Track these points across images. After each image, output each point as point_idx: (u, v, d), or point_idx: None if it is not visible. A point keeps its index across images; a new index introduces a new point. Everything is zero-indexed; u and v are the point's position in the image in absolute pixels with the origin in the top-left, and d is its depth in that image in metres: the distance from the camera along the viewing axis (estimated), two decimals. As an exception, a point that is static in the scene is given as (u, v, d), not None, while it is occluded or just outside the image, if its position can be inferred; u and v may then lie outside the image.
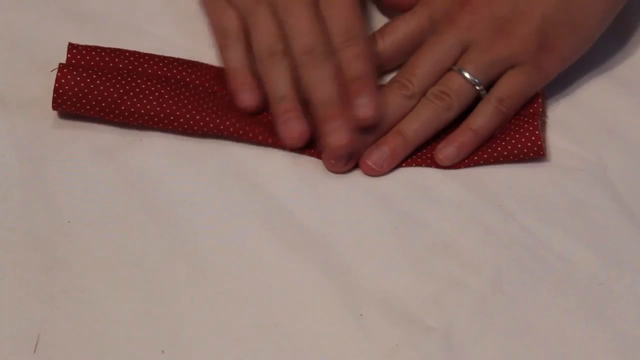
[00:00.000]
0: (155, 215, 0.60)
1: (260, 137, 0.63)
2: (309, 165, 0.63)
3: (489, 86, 0.64)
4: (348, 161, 0.63)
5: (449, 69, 0.64)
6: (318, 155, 0.63)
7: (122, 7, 0.70)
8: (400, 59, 0.66)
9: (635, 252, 0.60)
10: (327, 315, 0.57)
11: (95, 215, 0.60)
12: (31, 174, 0.61)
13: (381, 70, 0.66)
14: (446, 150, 0.64)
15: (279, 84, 0.63)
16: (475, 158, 0.64)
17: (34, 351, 0.55)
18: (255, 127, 0.63)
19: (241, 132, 0.63)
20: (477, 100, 0.64)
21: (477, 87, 0.64)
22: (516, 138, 0.64)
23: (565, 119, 0.67)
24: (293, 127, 0.62)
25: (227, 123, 0.63)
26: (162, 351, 0.55)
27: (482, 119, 0.64)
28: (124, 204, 0.60)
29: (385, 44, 0.66)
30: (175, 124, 0.63)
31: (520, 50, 0.64)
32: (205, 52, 0.67)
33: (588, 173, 0.64)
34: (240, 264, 0.59)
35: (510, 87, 0.64)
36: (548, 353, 0.57)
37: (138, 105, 0.62)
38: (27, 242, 0.58)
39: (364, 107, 0.62)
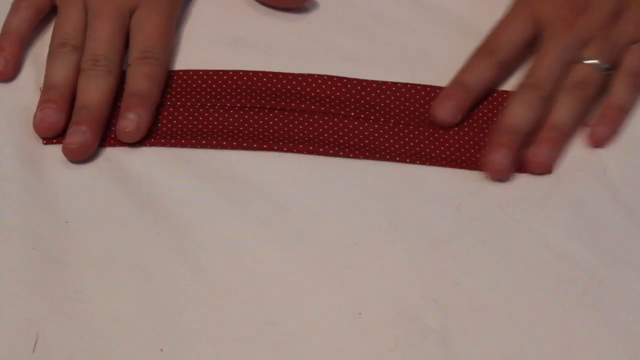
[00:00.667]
0: (153, 214, 0.60)
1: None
2: (306, 164, 0.63)
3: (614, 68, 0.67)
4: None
5: (575, 62, 0.66)
6: (308, 150, 0.63)
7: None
8: (515, 66, 0.68)
9: (634, 250, 0.60)
10: (325, 314, 0.57)
11: (93, 215, 0.60)
12: (30, 173, 0.61)
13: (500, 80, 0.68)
14: (600, 131, 0.65)
15: (54, 73, 0.64)
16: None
17: (33, 351, 0.55)
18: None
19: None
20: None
21: (606, 71, 0.66)
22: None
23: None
24: (46, 116, 0.62)
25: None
26: (161, 349, 0.55)
27: (623, 95, 0.66)
28: (122, 203, 0.60)
29: (505, 49, 0.67)
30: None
31: (637, 25, 0.67)
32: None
33: (588, 173, 0.64)
34: (238, 263, 0.59)
35: (637, 60, 0.67)
36: (547, 352, 0.56)
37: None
38: (26, 242, 0.58)
39: (130, 122, 0.62)
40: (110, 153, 0.63)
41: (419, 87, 0.67)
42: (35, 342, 0.55)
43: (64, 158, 0.62)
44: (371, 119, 0.65)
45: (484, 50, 0.68)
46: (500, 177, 0.63)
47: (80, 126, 0.62)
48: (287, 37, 0.70)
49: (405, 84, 0.67)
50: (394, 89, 0.67)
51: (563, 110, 0.65)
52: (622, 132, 0.66)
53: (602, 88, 0.66)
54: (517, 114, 0.65)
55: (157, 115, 0.64)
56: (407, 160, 0.64)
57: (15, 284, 0.57)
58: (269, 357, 0.56)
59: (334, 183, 0.62)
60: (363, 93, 0.66)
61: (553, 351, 0.57)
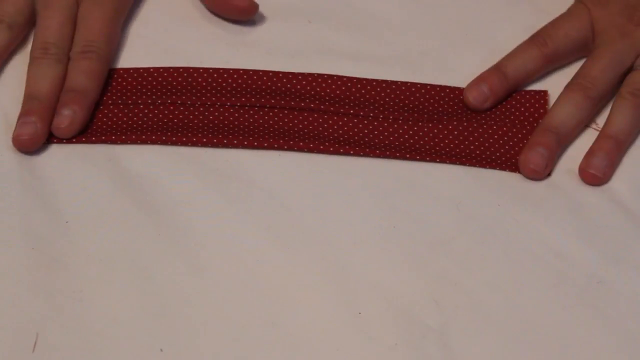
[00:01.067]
0: (153, 214, 0.60)
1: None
2: (307, 163, 0.63)
3: None
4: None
5: (631, 70, 0.65)
6: (309, 148, 0.63)
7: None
8: (562, 64, 0.68)
9: (633, 250, 0.60)
10: (325, 314, 0.57)
11: (93, 214, 0.60)
12: (30, 173, 0.61)
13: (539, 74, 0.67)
14: None
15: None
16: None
17: (33, 350, 0.55)
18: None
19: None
20: None
21: None
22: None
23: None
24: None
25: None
26: (161, 350, 0.55)
27: None
28: (121, 203, 0.61)
29: (556, 45, 0.67)
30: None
31: None
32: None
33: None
34: (238, 263, 0.59)
35: None
36: (546, 352, 0.56)
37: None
38: (26, 242, 0.58)
39: (64, 118, 0.62)
40: (111, 153, 0.63)
41: (419, 85, 0.67)
42: (35, 342, 0.55)
43: (64, 158, 0.62)
44: (370, 116, 0.65)
45: (534, 40, 0.67)
46: (536, 177, 0.63)
47: (30, 117, 0.62)
48: (287, 36, 0.70)
49: (405, 82, 0.67)
50: (393, 87, 0.67)
51: (620, 118, 0.64)
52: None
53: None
54: (562, 113, 0.64)
55: (97, 111, 0.64)
56: (407, 156, 0.63)
57: (15, 284, 0.57)
58: (269, 357, 0.56)
59: (334, 183, 0.62)
60: (363, 91, 0.66)
61: (553, 351, 0.57)
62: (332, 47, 0.69)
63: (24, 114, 0.62)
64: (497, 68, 0.66)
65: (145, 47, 0.68)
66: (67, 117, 0.62)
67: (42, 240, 0.59)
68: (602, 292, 0.59)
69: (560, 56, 0.68)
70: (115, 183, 0.61)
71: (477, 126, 0.65)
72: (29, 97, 0.63)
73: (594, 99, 0.65)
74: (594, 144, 0.64)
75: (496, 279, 0.59)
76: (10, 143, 0.62)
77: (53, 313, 0.56)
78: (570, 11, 0.68)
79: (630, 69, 0.66)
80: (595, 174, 0.63)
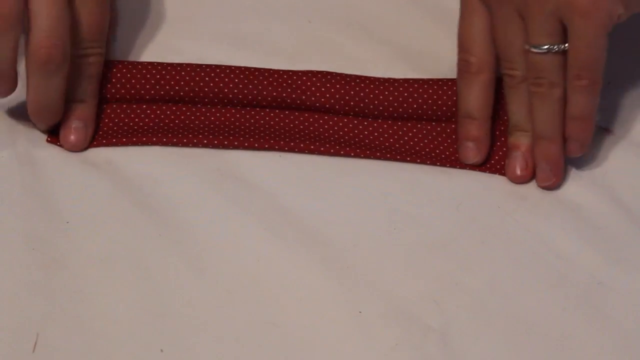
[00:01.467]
0: (153, 215, 0.60)
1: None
2: (307, 164, 0.63)
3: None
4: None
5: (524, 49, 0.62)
6: (310, 150, 0.63)
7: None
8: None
9: (634, 251, 0.60)
10: (325, 314, 0.57)
11: (93, 215, 0.60)
12: (30, 174, 0.61)
13: None
14: (569, 145, 0.63)
15: None
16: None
17: (33, 350, 0.55)
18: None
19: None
20: None
21: (556, 50, 0.61)
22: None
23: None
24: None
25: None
26: (161, 350, 0.55)
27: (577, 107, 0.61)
28: (121, 204, 0.60)
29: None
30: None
31: None
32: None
33: (588, 173, 0.64)
34: (238, 262, 0.59)
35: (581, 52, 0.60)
36: (547, 352, 0.56)
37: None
38: (26, 242, 0.58)
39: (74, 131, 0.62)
40: (111, 153, 0.63)
41: (421, 82, 0.67)
42: (35, 342, 0.55)
43: (65, 159, 0.62)
44: (370, 117, 0.65)
45: (467, 70, 0.65)
46: (521, 181, 0.63)
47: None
48: (287, 36, 0.70)
49: (406, 80, 0.67)
50: (396, 84, 0.66)
51: (541, 119, 0.62)
52: (621, 131, 0.66)
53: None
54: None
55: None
56: (408, 159, 0.64)
57: (15, 284, 0.57)
58: (269, 357, 0.56)
59: (334, 184, 0.62)
60: (357, 89, 0.66)
61: (553, 351, 0.57)
62: (332, 47, 0.69)
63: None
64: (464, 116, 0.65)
65: (145, 46, 0.68)
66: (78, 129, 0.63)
67: (42, 241, 0.59)
68: (603, 292, 0.59)
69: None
70: (115, 183, 0.61)
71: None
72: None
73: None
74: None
75: (497, 280, 0.59)
76: (11, 143, 0.62)
77: (53, 313, 0.56)
78: None
79: None
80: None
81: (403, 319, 0.57)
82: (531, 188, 0.63)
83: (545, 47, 0.61)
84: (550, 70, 0.61)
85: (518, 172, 0.63)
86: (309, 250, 0.59)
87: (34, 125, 0.63)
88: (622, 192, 0.63)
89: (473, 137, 0.64)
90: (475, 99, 0.64)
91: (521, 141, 0.63)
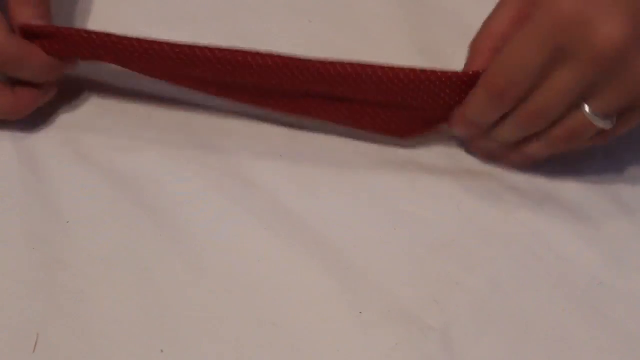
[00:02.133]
0: (154, 214, 0.60)
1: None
2: (308, 164, 0.63)
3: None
4: None
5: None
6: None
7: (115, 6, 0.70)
8: None
9: (634, 251, 0.61)
10: (326, 314, 0.57)
11: (94, 214, 0.60)
12: (30, 173, 0.61)
13: None
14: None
15: None
16: None
17: (34, 350, 0.55)
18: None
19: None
20: None
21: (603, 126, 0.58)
22: None
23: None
24: None
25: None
26: (162, 350, 0.55)
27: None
28: (122, 203, 0.60)
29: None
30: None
31: None
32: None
33: (588, 173, 0.64)
34: (239, 263, 0.59)
35: None
36: (547, 352, 0.57)
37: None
38: (27, 242, 0.58)
39: None
40: (111, 153, 0.63)
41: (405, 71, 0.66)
42: (36, 342, 0.55)
43: (65, 158, 0.62)
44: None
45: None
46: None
47: None
48: (287, 35, 0.70)
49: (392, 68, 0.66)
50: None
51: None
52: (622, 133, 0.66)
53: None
54: None
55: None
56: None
57: (15, 284, 0.57)
58: (269, 357, 0.56)
59: (334, 184, 0.62)
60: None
61: (553, 351, 0.57)
62: (333, 47, 0.68)
63: None
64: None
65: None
66: None
67: (42, 240, 0.59)
68: (603, 293, 0.59)
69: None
70: (115, 183, 0.61)
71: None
72: None
73: None
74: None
75: (497, 280, 0.59)
76: (11, 143, 0.62)
77: (53, 313, 0.56)
78: None
79: None
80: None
81: (403, 319, 0.57)
82: (532, 187, 0.63)
83: (606, 120, 0.57)
84: (582, 133, 0.58)
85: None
86: (309, 250, 0.59)
87: (35, 125, 0.63)
88: (622, 192, 0.63)
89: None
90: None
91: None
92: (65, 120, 0.64)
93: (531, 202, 0.62)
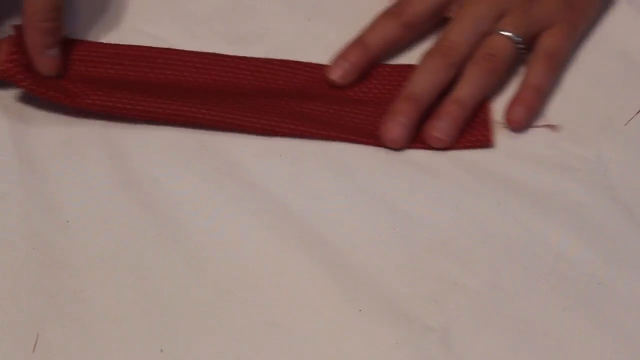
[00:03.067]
0: (154, 214, 0.60)
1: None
2: (307, 164, 0.63)
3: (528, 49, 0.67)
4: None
5: (489, 34, 0.65)
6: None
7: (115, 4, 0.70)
8: (423, 30, 0.68)
9: (634, 251, 0.60)
10: (326, 314, 0.57)
11: (94, 214, 0.60)
12: (30, 173, 0.61)
13: (400, 43, 0.68)
14: (516, 111, 0.65)
15: None
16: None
17: (33, 351, 0.55)
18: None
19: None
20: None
21: (520, 46, 0.65)
22: (469, 130, 0.65)
23: (565, 119, 0.67)
24: None
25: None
26: (161, 350, 0.55)
27: (539, 76, 0.66)
28: (122, 203, 0.60)
29: (413, 12, 0.67)
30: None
31: (555, 11, 0.66)
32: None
33: (588, 173, 0.64)
34: (239, 263, 0.59)
35: (554, 42, 0.66)
36: (547, 352, 0.56)
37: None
38: (26, 242, 0.58)
39: None
40: (112, 152, 0.63)
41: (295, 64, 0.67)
42: (36, 342, 0.55)
43: (65, 158, 0.62)
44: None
45: (392, 10, 0.68)
46: (397, 147, 0.63)
47: None
48: (286, 34, 0.70)
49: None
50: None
51: (468, 83, 0.64)
52: (622, 131, 0.66)
53: (513, 67, 0.67)
54: (421, 80, 0.64)
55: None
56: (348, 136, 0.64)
57: (15, 284, 0.57)
58: (269, 357, 0.56)
59: (334, 184, 0.62)
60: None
61: (553, 351, 0.57)
62: (332, 47, 0.68)
63: None
64: (357, 42, 0.67)
65: (145, 44, 0.68)
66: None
67: (42, 241, 0.59)
68: (603, 293, 0.59)
69: (419, 23, 0.68)
70: (116, 183, 0.61)
71: (350, 102, 0.66)
72: None
73: (454, 64, 0.65)
74: (440, 107, 0.64)
75: (496, 280, 0.59)
76: (12, 142, 0.62)
77: (53, 313, 0.56)
78: None
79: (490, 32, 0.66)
80: (440, 137, 0.63)
81: (403, 319, 0.57)
82: (532, 187, 0.63)
83: (512, 34, 0.65)
84: (502, 51, 0.65)
85: (393, 135, 0.63)
86: (309, 250, 0.59)
87: (35, 125, 0.63)
88: (622, 192, 0.63)
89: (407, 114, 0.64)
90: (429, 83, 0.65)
91: (407, 108, 0.63)
92: (65, 120, 0.64)
93: (531, 202, 0.62)
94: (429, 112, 0.65)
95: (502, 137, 0.65)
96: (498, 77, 0.66)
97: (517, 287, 0.59)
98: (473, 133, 0.65)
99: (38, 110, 0.64)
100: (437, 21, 0.69)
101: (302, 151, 0.64)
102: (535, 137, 0.66)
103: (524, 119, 0.65)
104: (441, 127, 0.64)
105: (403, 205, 0.62)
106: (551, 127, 0.66)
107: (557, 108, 0.67)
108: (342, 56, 0.67)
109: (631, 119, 0.67)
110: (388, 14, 0.67)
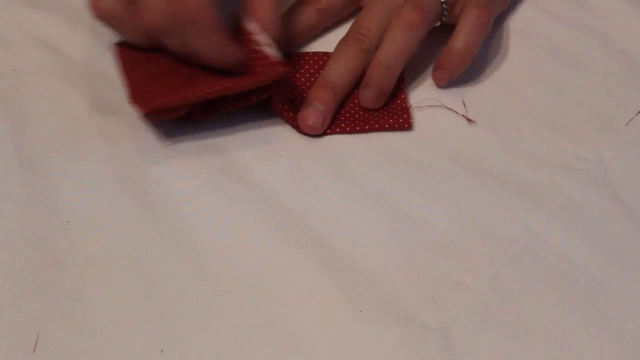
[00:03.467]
0: (154, 214, 0.60)
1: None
2: (307, 164, 0.63)
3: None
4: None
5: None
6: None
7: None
8: (335, 17, 0.69)
9: (634, 251, 0.60)
10: (326, 314, 0.57)
11: (94, 214, 0.60)
12: (31, 173, 0.61)
13: (316, 29, 0.69)
14: (440, 74, 0.67)
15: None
16: (347, 129, 0.65)
17: (34, 350, 0.55)
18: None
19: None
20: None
21: (444, 5, 0.66)
22: (388, 114, 0.66)
23: (565, 119, 0.67)
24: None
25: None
26: (162, 350, 0.55)
27: (463, 40, 0.66)
28: (123, 203, 0.60)
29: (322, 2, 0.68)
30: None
31: None
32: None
33: (588, 173, 0.64)
34: (239, 263, 0.59)
35: (475, 12, 0.66)
36: (547, 352, 0.56)
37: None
38: (27, 242, 0.58)
39: None
40: (112, 152, 0.63)
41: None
42: (36, 342, 0.55)
43: (65, 158, 0.62)
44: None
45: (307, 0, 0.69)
46: (315, 132, 0.64)
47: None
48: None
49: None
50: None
51: (389, 44, 0.65)
52: (622, 131, 0.66)
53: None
54: (337, 68, 0.65)
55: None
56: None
57: (15, 284, 0.57)
58: (269, 357, 0.56)
59: (334, 184, 0.62)
60: None
61: (553, 351, 0.57)
62: (332, 46, 0.68)
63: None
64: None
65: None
66: None
67: (42, 241, 0.59)
68: (603, 293, 0.59)
69: (334, 11, 0.69)
70: (116, 183, 0.61)
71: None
72: None
73: (368, 50, 0.66)
74: (366, 72, 0.65)
75: (496, 280, 0.59)
76: (11, 143, 0.62)
77: (54, 313, 0.56)
78: None
79: None
80: (368, 104, 0.65)
81: (403, 319, 0.57)
82: (531, 187, 0.63)
83: None
84: (427, 4, 0.65)
85: (311, 122, 0.64)
86: (309, 250, 0.59)
87: (35, 125, 0.63)
88: (622, 192, 0.63)
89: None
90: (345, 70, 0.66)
91: (324, 95, 0.64)
92: (65, 120, 0.64)
93: (531, 202, 0.62)
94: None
95: (503, 137, 0.66)
96: (418, 34, 0.65)
97: (517, 287, 0.59)
98: (394, 117, 0.65)
99: (38, 110, 0.64)
100: (354, 10, 0.70)
101: (302, 151, 0.64)
102: (535, 137, 0.66)
103: (445, 80, 0.67)
104: (367, 94, 0.65)
105: (403, 205, 0.62)
106: (469, 120, 0.66)
107: (557, 108, 0.67)
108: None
109: (631, 119, 0.67)
110: (305, 1, 0.68)
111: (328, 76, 0.65)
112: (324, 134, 0.65)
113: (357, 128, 0.65)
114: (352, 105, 0.66)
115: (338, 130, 0.65)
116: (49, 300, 0.56)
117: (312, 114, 0.64)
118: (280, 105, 0.64)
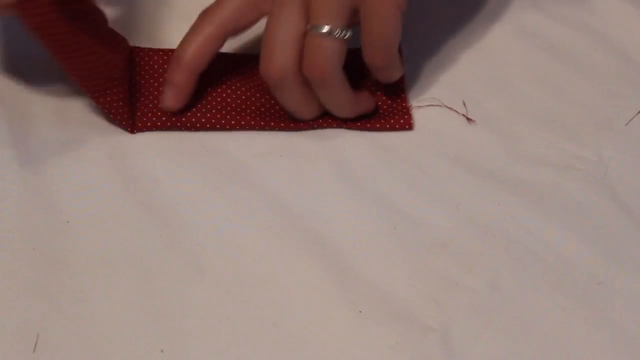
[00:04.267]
0: (155, 214, 0.60)
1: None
2: (308, 164, 0.63)
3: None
4: None
5: (306, 32, 0.60)
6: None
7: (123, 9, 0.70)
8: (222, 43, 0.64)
9: (634, 251, 0.60)
10: (326, 314, 0.57)
11: (94, 214, 0.60)
12: (31, 173, 0.61)
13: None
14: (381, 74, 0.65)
15: None
16: (348, 122, 0.65)
17: (34, 351, 0.55)
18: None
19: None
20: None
21: (340, 36, 0.60)
22: (388, 114, 0.66)
23: (565, 119, 0.67)
24: None
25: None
26: (162, 350, 0.55)
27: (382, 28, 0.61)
28: (123, 203, 0.60)
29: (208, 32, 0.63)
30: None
31: None
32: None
33: (588, 173, 0.64)
34: (239, 263, 0.59)
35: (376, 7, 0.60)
36: (547, 352, 0.56)
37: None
38: (26, 242, 0.58)
39: None
40: (112, 151, 0.63)
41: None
42: (36, 342, 0.55)
43: (65, 158, 0.62)
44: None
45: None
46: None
47: None
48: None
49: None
50: None
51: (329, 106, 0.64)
52: (622, 131, 0.66)
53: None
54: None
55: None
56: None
57: (15, 284, 0.57)
58: (269, 357, 0.56)
59: (334, 184, 0.62)
60: None
61: (553, 351, 0.57)
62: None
63: None
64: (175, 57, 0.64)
65: (146, 45, 0.68)
66: None
67: (42, 241, 0.59)
68: (603, 293, 0.59)
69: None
70: (116, 183, 0.61)
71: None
72: None
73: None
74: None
75: (496, 280, 0.59)
76: (12, 143, 0.62)
77: (54, 313, 0.56)
78: None
79: None
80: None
81: (403, 319, 0.57)
82: (531, 187, 0.63)
83: (328, 27, 0.59)
84: (323, 61, 0.60)
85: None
86: (309, 250, 0.59)
87: (35, 125, 0.63)
88: (622, 192, 0.63)
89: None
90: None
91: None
92: (65, 120, 0.64)
93: (530, 202, 0.62)
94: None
95: (503, 137, 0.66)
96: (337, 84, 0.62)
97: (517, 287, 0.59)
98: (395, 118, 0.65)
99: (38, 110, 0.64)
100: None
101: (302, 151, 0.64)
102: (535, 137, 0.66)
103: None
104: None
105: (403, 205, 0.62)
106: (469, 119, 0.66)
107: (557, 108, 0.67)
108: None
109: (631, 119, 0.67)
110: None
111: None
112: (324, 126, 0.65)
113: (358, 124, 0.65)
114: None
115: (335, 125, 0.65)
116: (49, 300, 0.56)
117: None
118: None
